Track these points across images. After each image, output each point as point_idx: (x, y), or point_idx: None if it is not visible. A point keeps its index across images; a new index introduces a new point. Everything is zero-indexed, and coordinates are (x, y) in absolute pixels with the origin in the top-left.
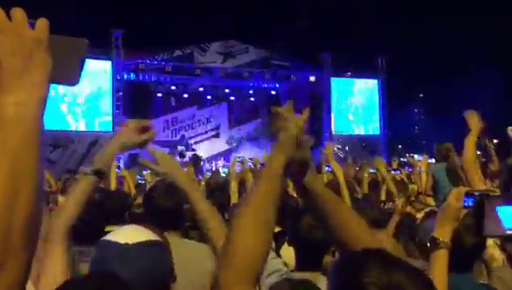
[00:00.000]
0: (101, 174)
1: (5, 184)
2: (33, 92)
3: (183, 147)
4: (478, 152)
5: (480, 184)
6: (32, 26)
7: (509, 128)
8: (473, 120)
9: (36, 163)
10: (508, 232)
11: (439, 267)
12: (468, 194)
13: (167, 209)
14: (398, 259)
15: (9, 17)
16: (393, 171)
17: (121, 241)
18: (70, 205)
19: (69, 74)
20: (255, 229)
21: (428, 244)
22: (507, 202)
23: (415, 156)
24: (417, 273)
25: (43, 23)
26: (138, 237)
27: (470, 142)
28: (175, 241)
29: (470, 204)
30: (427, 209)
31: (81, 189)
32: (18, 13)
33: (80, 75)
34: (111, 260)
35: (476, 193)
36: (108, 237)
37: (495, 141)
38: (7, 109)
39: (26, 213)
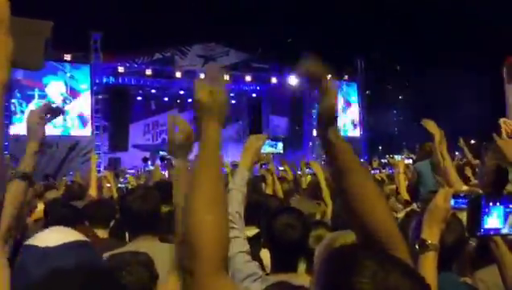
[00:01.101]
0: (27, 178)
1: None
2: None
3: (165, 153)
4: (457, 153)
5: (459, 185)
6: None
7: (501, 120)
8: (431, 126)
9: None
10: (502, 232)
11: (428, 270)
12: (455, 195)
13: (143, 213)
14: (393, 258)
15: None
16: (372, 171)
17: (42, 244)
18: (4, 215)
19: (33, 58)
20: (211, 208)
21: (417, 246)
22: (503, 202)
23: (396, 157)
24: (414, 275)
25: (2, 3)
26: (60, 239)
27: (436, 146)
28: (150, 244)
29: (457, 205)
30: (408, 209)
31: (12, 195)
32: None
33: (43, 59)
34: (32, 264)
35: (462, 194)
36: (29, 241)
37: (472, 142)
38: None
39: None
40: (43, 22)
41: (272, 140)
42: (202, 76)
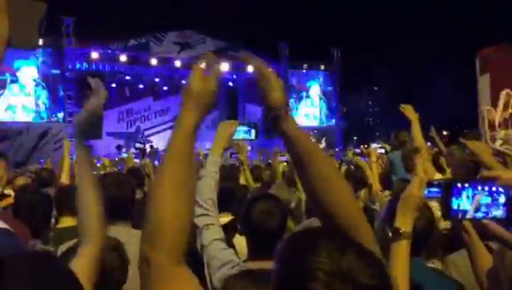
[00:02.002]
0: None
1: None
2: None
3: (140, 145)
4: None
5: (432, 172)
6: None
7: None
8: (409, 111)
9: None
10: (469, 215)
11: (401, 258)
12: (429, 184)
13: (116, 199)
14: (350, 241)
15: None
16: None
17: None
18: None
19: (27, 37)
20: (174, 196)
21: (390, 234)
22: (472, 185)
23: (372, 145)
24: (370, 257)
25: None
26: None
27: (415, 131)
28: (123, 231)
29: (430, 194)
30: (385, 199)
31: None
32: None
33: (37, 39)
34: None
35: (435, 182)
36: None
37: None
38: None
39: None
40: (37, 2)
41: (246, 127)
42: (202, 63)
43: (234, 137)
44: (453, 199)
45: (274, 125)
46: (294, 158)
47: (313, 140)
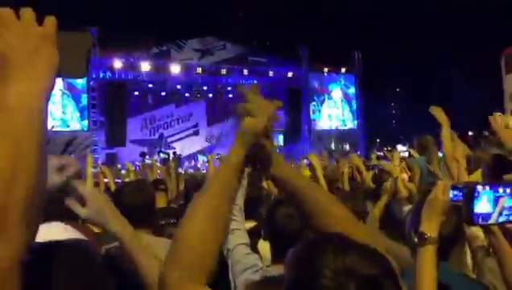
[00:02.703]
0: None
1: (3, 166)
2: (37, 83)
3: (165, 155)
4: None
5: (463, 177)
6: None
7: (493, 116)
8: (440, 114)
9: (37, 149)
10: (499, 220)
11: (427, 264)
12: (453, 187)
13: (137, 207)
14: (355, 242)
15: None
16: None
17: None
18: None
19: (75, 67)
20: (205, 222)
21: (416, 239)
22: (492, 187)
23: (399, 147)
24: (374, 255)
25: (50, 21)
26: (59, 235)
27: (444, 136)
28: (146, 238)
29: (456, 197)
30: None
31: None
32: (26, 12)
33: (86, 68)
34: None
35: (460, 186)
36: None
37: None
38: (10, 97)
39: (24, 195)
40: (83, 34)
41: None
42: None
43: None
44: (475, 201)
45: (262, 169)
46: (287, 196)
47: (302, 177)
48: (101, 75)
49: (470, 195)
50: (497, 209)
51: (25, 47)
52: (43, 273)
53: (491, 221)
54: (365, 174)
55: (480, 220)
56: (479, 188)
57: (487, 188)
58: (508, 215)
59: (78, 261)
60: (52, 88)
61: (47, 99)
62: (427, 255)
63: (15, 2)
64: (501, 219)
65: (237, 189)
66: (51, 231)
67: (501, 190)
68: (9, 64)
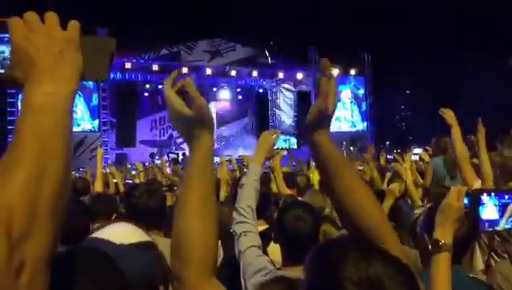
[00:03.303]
0: None
1: (34, 162)
2: (62, 85)
3: (174, 156)
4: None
5: (473, 181)
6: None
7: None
8: (449, 115)
9: (64, 147)
10: (506, 227)
11: (442, 270)
12: (467, 194)
13: (149, 209)
14: (376, 249)
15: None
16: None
17: (115, 240)
18: None
19: (98, 70)
20: (197, 214)
21: (430, 246)
22: (498, 194)
23: (414, 149)
24: (397, 264)
25: (74, 25)
26: (131, 237)
27: (455, 138)
28: (158, 240)
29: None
30: (428, 206)
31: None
32: (50, 16)
33: (108, 71)
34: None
35: (472, 192)
36: (98, 235)
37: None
38: (38, 98)
39: (53, 190)
40: (107, 38)
41: (286, 135)
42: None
43: (276, 146)
44: (480, 208)
45: (308, 132)
46: (321, 169)
47: (342, 154)
48: (112, 76)
49: (476, 202)
50: (506, 216)
51: (51, 51)
52: (65, 280)
53: (499, 227)
54: (375, 174)
55: (486, 226)
56: (484, 195)
57: (492, 195)
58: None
59: (100, 266)
60: (76, 90)
61: (73, 101)
62: (442, 262)
63: (27, 4)
64: (508, 226)
65: (213, 173)
66: (127, 232)
67: (506, 197)
68: (36, 66)
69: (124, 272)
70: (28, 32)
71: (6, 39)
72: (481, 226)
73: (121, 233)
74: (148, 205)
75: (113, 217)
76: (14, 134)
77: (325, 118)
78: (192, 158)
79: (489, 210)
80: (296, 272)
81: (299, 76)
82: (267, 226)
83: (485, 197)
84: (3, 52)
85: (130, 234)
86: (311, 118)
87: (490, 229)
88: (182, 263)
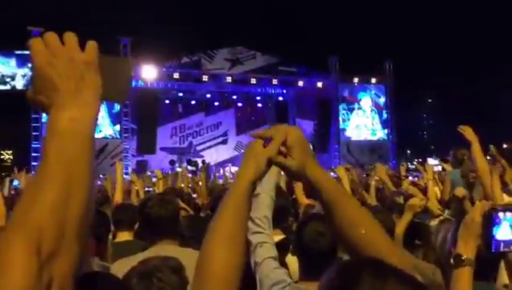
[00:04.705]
0: None
1: (61, 186)
2: (86, 110)
3: (193, 167)
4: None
5: (498, 195)
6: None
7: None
8: (468, 132)
9: (88, 171)
10: None
11: (463, 285)
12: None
13: (163, 218)
14: (392, 268)
15: (62, 41)
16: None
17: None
18: None
19: (117, 92)
20: (224, 247)
21: (452, 261)
22: None
23: (429, 160)
24: (412, 283)
25: (92, 46)
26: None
27: (476, 153)
28: (172, 249)
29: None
30: (442, 217)
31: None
32: (70, 38)
33: (127, 92)
34: None
35: (499, 208)
36: None
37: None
38: (63, 123)
39: (79, 212)
40: (123, 58)
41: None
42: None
43: None
44: (495, 227)
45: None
46: (322, 202)
47: (338, 184)
48: (133, 84)
49: (489, 221)
50: None
51: (72, 75)
52: None
53: None
54: (390, 186)
55: (501, 247)
56: (500, 214)
57: (508, 214)
58: None
59: None
60: (98, 113)
61: (95, 124)
62: (464, 277)
63: (52, 15)
64: None
65: (249, 210)
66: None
67: None
68: (58, 91)
69: None
70: (50, 57)
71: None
72: (495, 246)
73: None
74: (160, 215)
75: (136, 226)
76: (42, 158)
77: (303, 155)
78: (229, 192)
79: (504, 230)
80: (314, 287)
81: (320, 84)
82: (284, 236)
83: (500, 216)
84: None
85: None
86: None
87: (507, 249)
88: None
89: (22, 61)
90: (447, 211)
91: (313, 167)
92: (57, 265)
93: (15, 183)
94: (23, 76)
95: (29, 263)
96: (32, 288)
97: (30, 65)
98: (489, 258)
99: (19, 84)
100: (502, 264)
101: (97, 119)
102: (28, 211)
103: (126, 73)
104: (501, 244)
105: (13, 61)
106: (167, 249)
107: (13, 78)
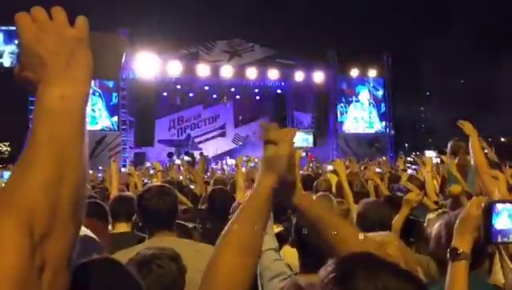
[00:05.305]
0: None
1: (53, 166)
2: (77, 87)
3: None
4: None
5: (494, 188)
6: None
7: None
8: (468, 126)
9: (81, 150)
10: None
11: (459, 279)
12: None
13: (161, 210)
14: (386, 263)
15: (50, 16)
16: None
17: None
18: None
19: (108, 69)
20: (238, 254)
21: (448, 255)
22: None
23: (427, 153)
24: (406, 275)
25: (82, 21)
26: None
27: (474, 147)
28: (170, 239)
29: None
30: (440, 211)
31: None
32: (59, 13)
33: (118, 70)
34: None
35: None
36: None
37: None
38: (54, 100)
39: (72, 193)
40: (117, 36)
41: (304, 133)
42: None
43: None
44: (494, 217)
45: (285, 199)
46: (309, 226)
47: (325, 208)
48: (131, 75)
49: (488, 212)
50: None
51: (62, 51)
52: None
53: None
54: (382, 188)
55: (499, 238)
56: (498, 205)
57: (507, 204)
58: None
59: (117, 277)
60: (89, 91)
61: (87, 102)
62: (460, 271)
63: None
64: None
65: (267, 218)
66: (176, 243)
67: None
68: (47, 67)
69: (140, 283)
70: (39, 32)
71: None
72: (493, 237)
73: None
74: (158, 207)
75: (134, 218)
76: (30, 136)
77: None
78: (248, 198)
79: (503, 220)
80: (314, 279)
81: (318, 77)
82: (282, 228)
83: (499, 207)
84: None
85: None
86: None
87: (505, 239)
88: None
89: (8, 37)
90: (445, 203)
91: (299, 193)
92: (50, 246)
93: None
94: (11, 53)
95: (21, 245)
96: (25, 270)
97: (17, 42)
98: (475, 248)
99: (6, 61)
100: (497, 260)
101: (88, 96)
102: (19, 191)
103: (118, 50)
104: (499, 235)
105: None
106: (165, 240)
107: (0, 56)
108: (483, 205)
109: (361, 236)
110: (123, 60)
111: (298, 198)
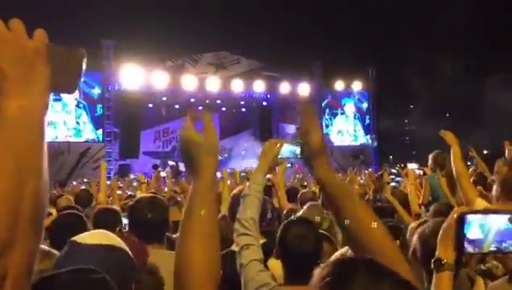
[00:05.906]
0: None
1: (12, 177)
2: (36, 99)
3: (173, 163)
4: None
5: (474, 198)
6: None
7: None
8: (449, 136)
9: (41, 161)
10: (491, 249)
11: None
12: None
13: (151, 222)
14: (386, 271)
15: (7, 27)
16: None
17: (82, 241)
18: None
19: (67, 83)
20: (202, 244)
21: (432, 266)
22: (484, 212)
23: (409, 165)
24: (406, 286)
25: (41, 34)
26: (98, 240)
27: (454, 156)
28: (160, 253)
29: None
30: (422, 220)
31: None
32: (18, 24)
33: (77, 84)
34: (64, 257)
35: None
36: (75, 237)
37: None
38: (12, 111)
39: (33, 204)
40: (76, 50)
41: (292, 145)
42: (185, 119)
43: (280, 155)
44: (466, 226)
45: (308, 167)
46: (328, 200)
47: (346, 184)
48: (116, 87)
49: (460, 223)
50: (490, 237)
51: (21, 64)
52: None
53: (484, 249)
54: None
55: (471, 249)
56: (469, 216)
57: (479, 215)
58: (500, 242)
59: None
60: (48, 103)
61: (45, 113)
62: (444, 281)
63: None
64: (494, 247)
65: (215, 200)
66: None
67: (494, 217)
68: (7, 78)
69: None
70: None
71: None
72: (465, 248)
73: (90, 236)
74: (150, 218)
75: (117, 229)
76: None
77: (315, 153)
78: (197, 185)
79: (474, 230)
80: None
81: (303, 89)
82: (265, 240)
83: (470, 217)
84: None
85: (100, 238)
86: (305, 156)
87: (477, 249)
88: (183, 288)
89: None
90: (426, 213)
91: (324, 166)
92: (11, 258)
93: None
94: None
95: None
96: None
97: None
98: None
99: None
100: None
101: (47, 108)
102: None
103: (77, 64)
104: (472, 246)
105: None
106: (154, 253)
107: None
108: (455, 215)
109: (374, 224)
110: (83, 73)
111: (321, 170)
